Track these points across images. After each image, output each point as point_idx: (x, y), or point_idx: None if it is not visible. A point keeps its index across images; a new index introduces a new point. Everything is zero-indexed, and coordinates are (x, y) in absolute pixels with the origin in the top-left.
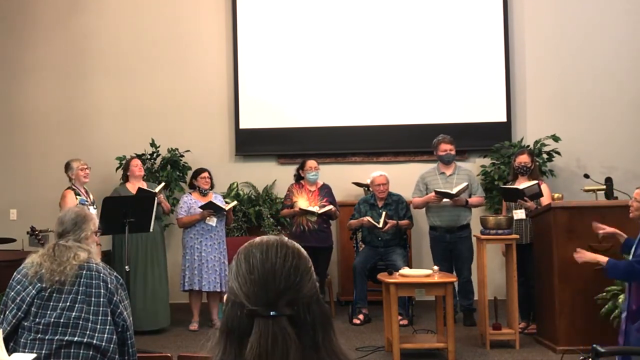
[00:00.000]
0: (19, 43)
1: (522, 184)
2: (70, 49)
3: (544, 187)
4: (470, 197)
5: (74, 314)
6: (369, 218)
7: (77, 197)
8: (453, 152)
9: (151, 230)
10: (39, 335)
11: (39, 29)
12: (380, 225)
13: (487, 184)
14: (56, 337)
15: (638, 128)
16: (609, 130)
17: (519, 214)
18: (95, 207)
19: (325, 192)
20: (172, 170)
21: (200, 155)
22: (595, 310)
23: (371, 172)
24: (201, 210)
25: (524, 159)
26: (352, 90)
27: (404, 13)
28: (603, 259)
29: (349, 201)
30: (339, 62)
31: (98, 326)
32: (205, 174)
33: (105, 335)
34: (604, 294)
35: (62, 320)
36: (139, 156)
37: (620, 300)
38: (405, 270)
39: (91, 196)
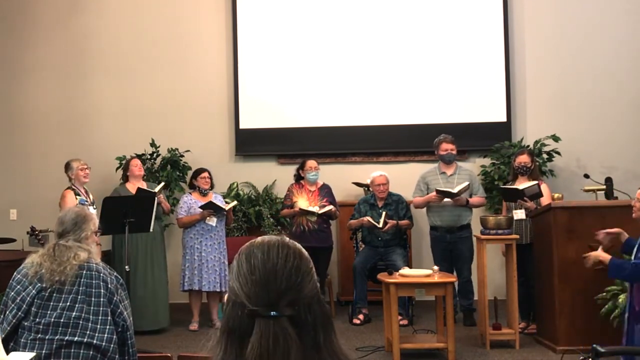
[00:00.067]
0: (19, 43)
1: (522, 184)
2: (70, 49)
3: (544, 187)
4: (471, 197)
5: (74, 313)
6: (369, 218)
7: (77, 197)
8: (454, 152)
9: (151, 230)
10: (39, 335)
11: (39, 29)
12: (380, 225)
13: (487, 184)
14: (56, 337)
15: (638, 128)
16: (609, 130)
17: (519, 214)
18: (95, 207)
19: (325, 192)
20: (172, 170)
21: (200, 155)
22: (595, 310)
23: (371, 172)
24: (201, 210)
25: (524, 159)
26: (352, 90)
27: (404, 13)
28: (606, 257)
29: (349, 201)
30: (339, 63)
31: (98, 326)
32: (205, 174)
33: (106, 335)
34: (604, 294)
35: (62, 320)
36: (139, 156)
37: (620, 300)
38: (405, 270)
39: (91, 196)
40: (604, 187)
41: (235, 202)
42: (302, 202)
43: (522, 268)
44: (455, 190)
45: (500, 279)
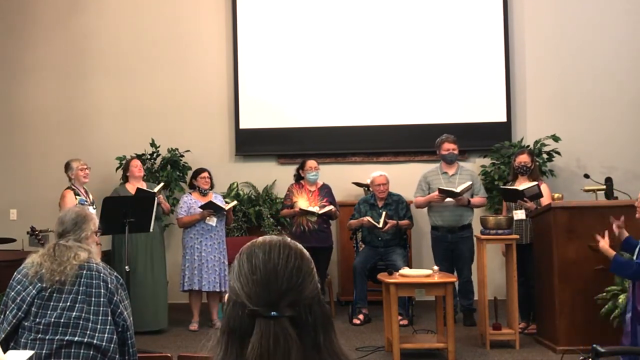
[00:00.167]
0: (19, 43)
1: (522, 184)
2: (70, 49)
3: (544, 187)
4: (472, 197)
5: (74, 313)
6: (369, 218)
7: (77, 197)
8: (456, 152)
9: (151, 230)
10: (39, 335)
11: (39, 29)
12: (380, 225)
13: (487, 184)
14: (56, 337)
15: (638, 128)
16: (609, 130)
17: (519, 215)
18: (94, 207)
19: (325, 192)
20: (172, 170)
21: (200, 155)
22: (595, 310)
23: (371, 172)
24: (201, 210)
25: (524, 158)
26: (352, 90)
27: (404, 13)
28: (610, 252)
29: (349, 201)
30: (339, 63)
31: (98, 326)
32: (205, 174)
33: (106, 335)
34: (604, 294)
35: (62, 320)
36: (139, 156)
37: (620, 300)
38: (405, 270)
39: (91, 196)
40: (604, 187)
41: (235, 202)
42: (302, 202)
43: (522, 268)
44: (458, 190)
45: (500, 279)
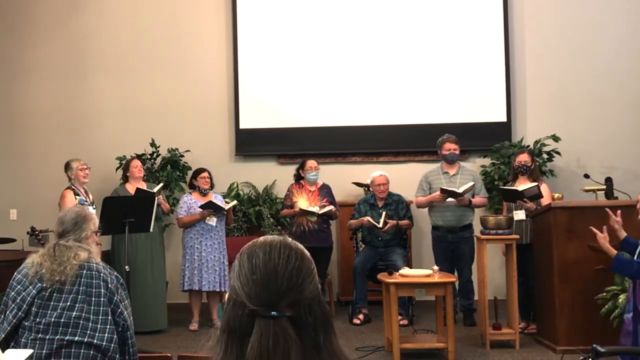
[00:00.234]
0: (19, 43)
1: (522, 184)
2: (70, 49)
3: (544, 187)
4: (473, 197)
5: (74, 313)
6: (369, 218)
7: (77, 197)
8: (457, 152)
9: (151, 230)
10: (40, 335)
11: (39, 29)
12: (380, 225)
13: (487, 184)
14: (57, 337)
15: (638, 128)
16: (609, 130)
17: (519, 215)
18: (94, 207)
19: (325, 192)
20: (172, 170)
21: (200, 155)
22: (595, 310)
23: (371, 172)
24: (201, 210)
25: (524, 158)
26: (352, 90)
27: (404, 13)
28: (612, 251)
29: (349, 201)
30: (339, 63)
31: (98, 326)
32: (205, 174)
33: (106, 335)
34: (604, 294)
35: (62, 320)
36: (139, 156)
37: (620, 300)
38: (405, 270)
39: (90, 196)
40: (604, 187)
41: (235, 202)
42: (302, 202)
43: (522, 268)
44: (460, 190)
45: (500, 279)
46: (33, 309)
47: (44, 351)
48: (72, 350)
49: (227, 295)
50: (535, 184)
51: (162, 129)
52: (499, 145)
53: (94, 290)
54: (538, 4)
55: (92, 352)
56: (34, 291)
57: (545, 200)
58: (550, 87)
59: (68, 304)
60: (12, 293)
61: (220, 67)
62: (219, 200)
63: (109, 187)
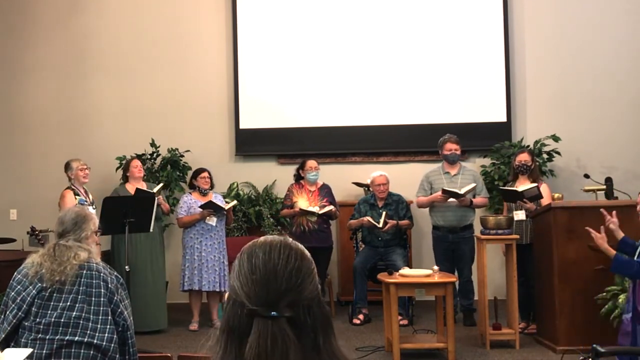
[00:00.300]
0: (19, 43)
1: (522, 185)
2: (70, 49)
3: (544, 187)
4: (474, 197)
5: (74, 313)
6: (369, 218)
7: (76, 197)
8: (458, 152)
9: (151, 230)
10: (40, 335)
11: (39, 29)
12: (380, 225)
13: (487, 184)
14: (57, 337)
15: (638, 128)
16: (609, 130)
17: (520, 215)
18: (94, 207)
19: (325, 192)
20: (172, 170)
21: (200, 155)
22: (595, 310)
23: (371, 172)
24: (201, 210)
25: (524, 157)
26: (352, 90)
27: (404, 13)
28: (611, 251)
29: (349, 201)
30: (339, 63)
31: (98, 326)
32: (205, 174)
33: (106, 335)
34: (604, 294)
35: (62, 320)
36: (139, 156)
37: (620, 300)
38: (405, 270)
39: (90, 196)
40: (604, 187)
41: (235, 202)
42: (302, 202)
43: (522, 268)
44: (462, 191)
45: (500, 279)
46: (33, 309)
47: (44, 351)
48: (72, 350)
49: (226, 295)
50: (535, 184)
51: (162, 129)
52: (499, 145)
53: (94, 290)
54: (538, 4)
55: (92, 352)
56: (34, 291)
57: (545, 200)
58: (550, 87)
59: (68, 304)
60: (12, 293)
61: (220, 67)
62: (219, 200)
63: (109, 187)
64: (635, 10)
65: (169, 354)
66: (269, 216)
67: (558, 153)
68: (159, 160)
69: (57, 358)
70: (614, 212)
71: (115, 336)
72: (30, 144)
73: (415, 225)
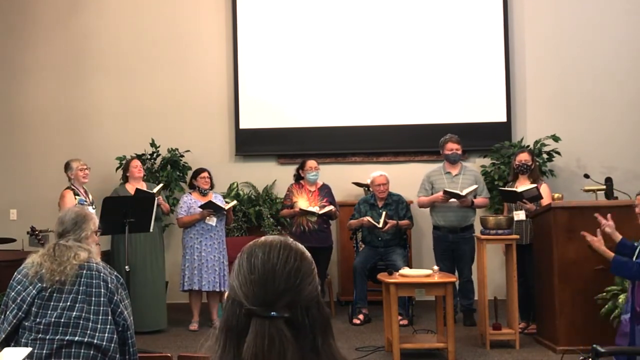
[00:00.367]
0: (19, 43)
1: (522, 185)
2: (70, 49)
3: (544, 187)
4: (475, 197)
5: (74, 313)
6: (369, 218)
7: (76, 197)
8: (459, 152)
9: (151, 230)
10: (40, 335)
11: (39, 29)
12: (380, 225)
13: (487, 184)
14: (57, 337)
15: (638, 128)
16: (609, 130)
17: (520, 215)
18: (94, 207)
19: (325, 192)
20: (172, 170)
21: (200, 155)
22: (595, 310)
23: (371, 172)
24: (201, 210)
25: (524, 157)
26: (352, 90)
27: (404, 13)
28: (609, 253)
29: (349, 201)
30: (339, 63)
31: (99, 326)
32: (205, 174)
33: (106, 335)
34: (604, 294)
35: (62, 320)
36: (139, 156)
37: (620, 300)
38: (405, 270)
39: (90, 196)
40: (604, 187)
41: (235, 202)
42: (302, 202)
43: (521, 268)
44: (463, 193)
45: (500, 279)
46: (33, 309)
47: (44, 351)
48: (72, 350)
49: (226, 294)
50: (535, 185)
51: (162, 129)
52: (499, 145)
53: (94, 290)
54: (538, 4)
55: (92, 352)
56: (34, 291)
57: (545, 200)
58: (550, 87)
59: (68, 304)
60: (12, 293)
61: (220, 67)
62: (219, 200)
63: (109, 187)
64: (635, 10)
65: (169, 354)
66: (269, 216)
67: (558, 153)
68: (159, 160)
69: (57, 358)
70: (609, 215)
71: (115, 336)
72: (30, 144)
73: (415, 225)
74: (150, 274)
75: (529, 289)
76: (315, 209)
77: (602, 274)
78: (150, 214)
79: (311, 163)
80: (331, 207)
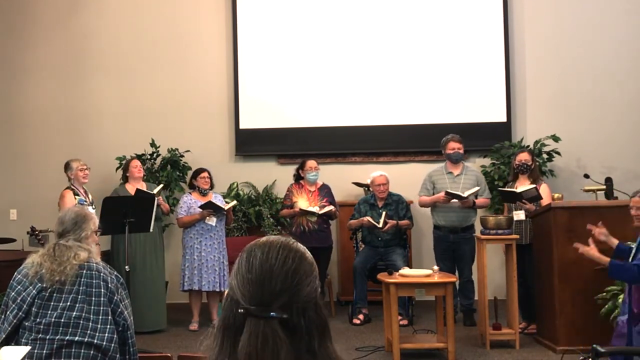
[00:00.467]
0: (19, 43)
1: (522, 185)
2: (70, 49)
3: (544, 187)
4: (476, 197)
5: (74, 313)
6: (369, 218)
7: (76, 197)
8: (461, 151)
9: (151, 230)
10: (40, 335)
11: (39, 29)
12: (380, 225)
13: (487, 184)
14: (57, 337)
15: (638, 128)
16: (609, 130)
17: (520, 215)
18: (94, 207)
19: (325, 192)
20: (172, 170)
21: (200, 155)
22: (595, 310)
23: (371, 172)
24: (201, 210)
25: (524, 156)
26: (352, 90)
27: (404, 13)
28: (604, 259)
29: (349, 201)
30: (340, 63)
31: (99, 325)
32: (205, 174)
33: (106, 335)
34: (604, 294)
35: (62, 320)
36: (139, 156)
37: (620, 300)
38: (405, 270)
39: (90, 196)
40: (604, 187)
41: (234, 202)
42: (302, 202)
43: (521, 269)
44: (465, 194)
45: (500, 279)
46: (33, 309)
47: (44, 351)
48: (73, 350)
49: (225, 293)
50: (534, 185)
51: (162, 129)
52: (499, 145)
53: (94, 290)
54: (538, 4)
55: (92, 352)
56: (34, 291)
57: (545, 201)
58: (550, 87)
59: (68, 304)
60: (12, 293)
61: (220, 67)
62: (218, 200)
63: (109, 187)
64: (635, 10)
65: (169, 354)
66: (268, 216)
67: (558, 153)
68: (159, 160)
69: (58, 358)
70: (600, 223)
71: (115, 336)
72: (30, 144)
73: (415, 225)
74: (150, 274)
75: (529, 289)
76: (315, 209)
77: (602, 274)
78: (150, 214)
79: (311, 163)
80: (331, 207)
